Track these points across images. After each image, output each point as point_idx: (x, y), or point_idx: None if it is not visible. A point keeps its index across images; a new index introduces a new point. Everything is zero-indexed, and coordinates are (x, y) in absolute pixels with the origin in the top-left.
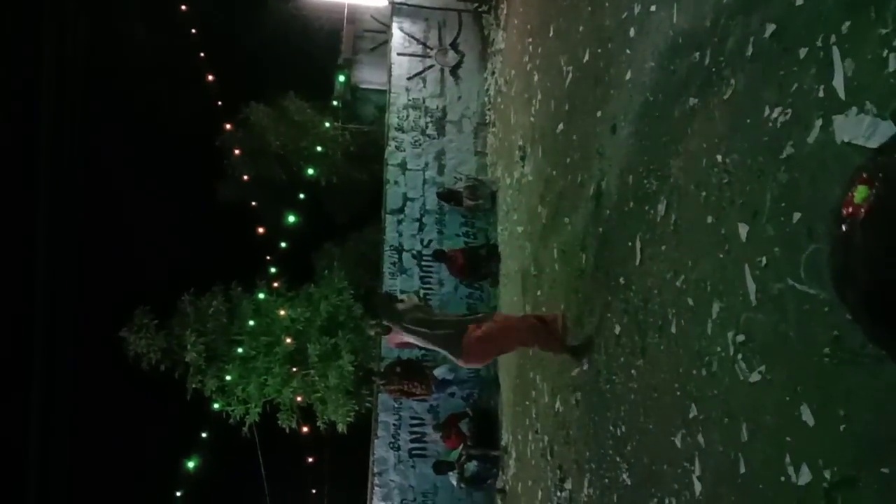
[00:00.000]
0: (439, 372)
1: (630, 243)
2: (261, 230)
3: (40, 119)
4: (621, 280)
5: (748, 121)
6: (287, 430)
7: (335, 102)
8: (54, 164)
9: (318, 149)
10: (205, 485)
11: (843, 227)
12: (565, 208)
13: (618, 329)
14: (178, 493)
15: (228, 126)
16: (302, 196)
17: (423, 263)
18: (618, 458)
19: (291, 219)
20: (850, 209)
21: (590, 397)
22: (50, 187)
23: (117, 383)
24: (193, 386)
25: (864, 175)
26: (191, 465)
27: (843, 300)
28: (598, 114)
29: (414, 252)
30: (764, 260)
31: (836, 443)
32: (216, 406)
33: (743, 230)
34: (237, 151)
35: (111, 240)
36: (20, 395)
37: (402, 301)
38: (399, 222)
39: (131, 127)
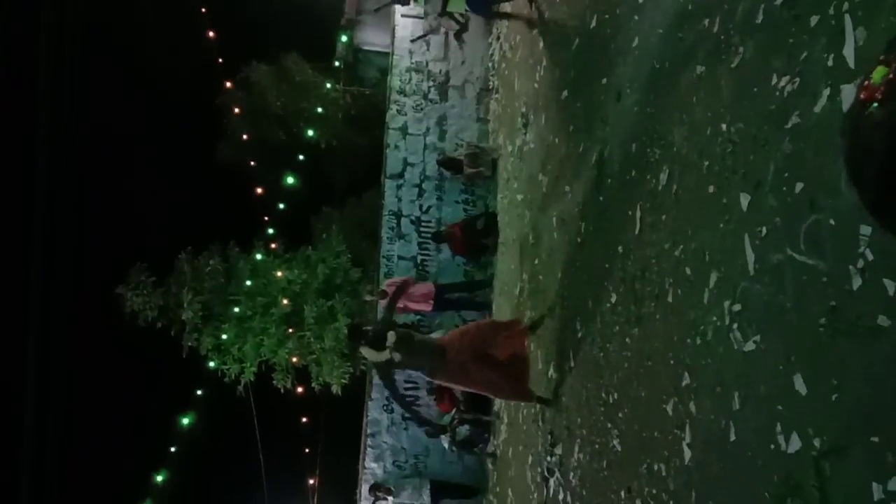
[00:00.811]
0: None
1: (630, 212)
2: (259, 191)
3: (39, 74)
4: (619, 249)
5: (755, 90)
6: (282, 391)
7: (337, 63)
8: (53, 121)
9: (319, 110)
10: (199, 442)
11: (862, 110)
12: (566, 177)
13: (614, 298)
14: (173, 449)
15: (228, 84)
16: (301, 158)
17: (422, 229)
18: (609, 425)
19: (290, 180)
20: (868, 91)
21: (583, 365)
22: (48, 143)
23: (113, 340)
24: (189, 344)
25: (882, 58)
26: (185, 421)
27: (858, 185)
28: (604, 81)
29: (413, 218)
30: (764, 230)
31: (828, 412)
32: (212, 364)
33: (745, 200)
34: (237, 111)
35: (109, 197)
36: (16, 348)
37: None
38: (398, 187)
39: (130, 84)
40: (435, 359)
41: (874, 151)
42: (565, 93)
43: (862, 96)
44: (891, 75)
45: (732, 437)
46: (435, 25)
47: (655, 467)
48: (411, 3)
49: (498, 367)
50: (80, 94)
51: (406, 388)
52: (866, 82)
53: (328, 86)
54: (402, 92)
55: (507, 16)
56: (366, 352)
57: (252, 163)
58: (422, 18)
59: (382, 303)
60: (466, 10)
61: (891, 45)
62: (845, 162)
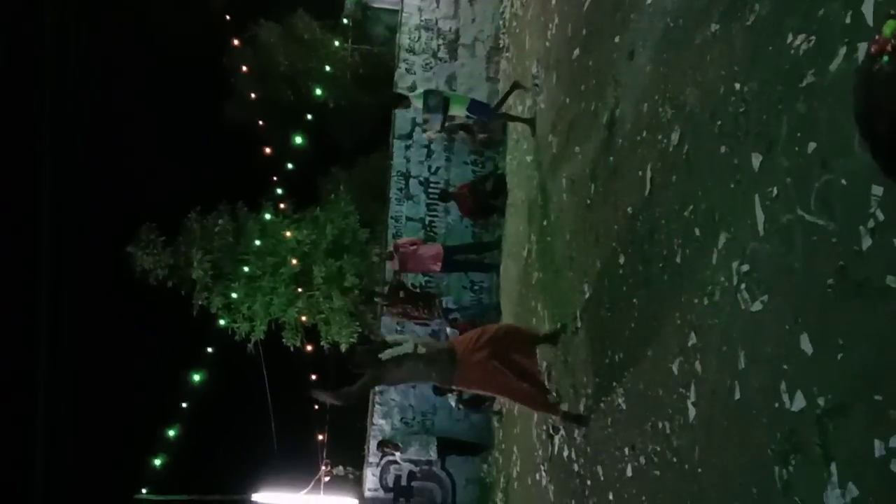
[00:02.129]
0: (444, 301)
1: (640, 173)
2: (267, 150)
3: (44, 30)
4: (629, 210)
5: (770, 48)
6: (291, 349)
7: (345, 21)
8: (59, 79)
9: (327, 69)
10: (210, 398)
11: (872, 65)
12: (577, 137)
13: (622, 259)
14: (184, 405)
15: (236, 42)
16: (309, 117)
17: (430, 191)
18: (614, 384)
19: (298, 140)
20: (879, 45)
21: (590, 325)
22: (55, 102)
23: (124, 298)
24: (199, 303)
25: (892, 12)
26: (196, 378)
27: (870, 140)
28: (616, 39)
29: (421, 179)
30: (775, 190)
31: (833, 371)
32: (222, 323)
33: (756, 160)
34: (244, 69)
35: (116, 156)
36: (28, 308)
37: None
38: (407, 148)
39: (137, 41)
40: (449, 362)
41: (885, 106)
42: (577, 51)
43: (872, 50)
44: None
45: (737, 396)
46: None
47: (660, 425)
48: None
49: (522, 372)
50: (86, 53)
51: None
52: (877, 36)
53: (336, 44)
54: (410, 50)
55: None
56: (388, 353)
57: (260, 122)
58: None
59: (390, 263)
60: None
61: None
62: (856, 117)
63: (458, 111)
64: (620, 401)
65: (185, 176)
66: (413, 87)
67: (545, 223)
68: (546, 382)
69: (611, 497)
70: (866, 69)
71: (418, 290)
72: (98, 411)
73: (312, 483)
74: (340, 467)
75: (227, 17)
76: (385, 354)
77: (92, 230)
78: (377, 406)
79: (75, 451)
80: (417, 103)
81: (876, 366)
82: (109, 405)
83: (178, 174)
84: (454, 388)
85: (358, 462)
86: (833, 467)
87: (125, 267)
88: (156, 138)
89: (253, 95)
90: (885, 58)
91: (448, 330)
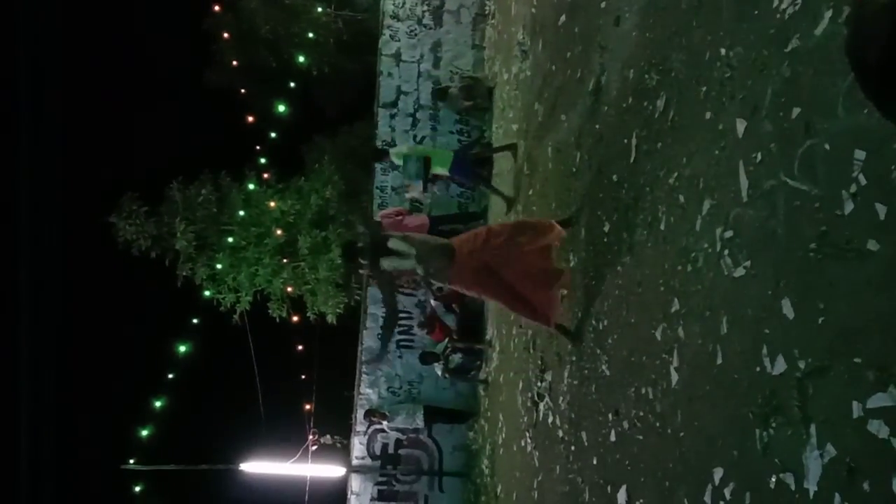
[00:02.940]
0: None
1: (626, 140)
2: (250, 119)
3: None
4: (614, 178)
5: (756, 12)
6: (277, 320)
7: None
8: (36, 47)
9: (310, 35)
10: (196, 368)
11: None
12: (563, 105)
13: (607, 227)
14: (170, 376)
15: (217, 8)
16: (292, 85)
17: None
18: (598, 351)
19: (281, 108)
20: None
21: (574, 293)
22: (32, 71)
23: (107, 269)
24: (184, 273)
25: None
26: (182, 349)
27: (859, 71)
28: (602, 5)
29: None
30: (759, 156)
31: (813, 334)
32: (207, 294)
33: (741, 126)
34: (226, 35)
35: (97, 125)
36: (9, 280)
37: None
38: (392, 117)
39: (116, 9)
40: (445, 258)
41: (875, 35)
42: (563, 17)
43: None
44: None
45: (719, 361)
46: None
47: (643, 391)
48: None
49: (521, 277)
50: (64, 21)
51: (400, 318)
52: None
53: (319, 10)
54: (395, 17)
55: None
56: (386, 263)
57: (242, 90)
58: None
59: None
60: None
61: None
62: (847, 51)
63: (441, 171)
64: (604, 367)
65: (167, 145)
66: (398, 55)
67: (531, 192)
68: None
69: (595, 462)
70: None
71: None
72: (83, 382)
73: (300, 452)
74: (328, 436)
75: None
76: (386, 263)
77: (73, 200)
78: (364, 375)
79: (61, 423)
80: (397, 160)
81: (855, 329)
82: (95, 376)
83: (159, 143)
84: (446, 286)
85: (345, 431)
86: (812, 428)
87: (108, 237)
88: (137, 106)
89: (235, 62)
90: None
91: (432, 301)
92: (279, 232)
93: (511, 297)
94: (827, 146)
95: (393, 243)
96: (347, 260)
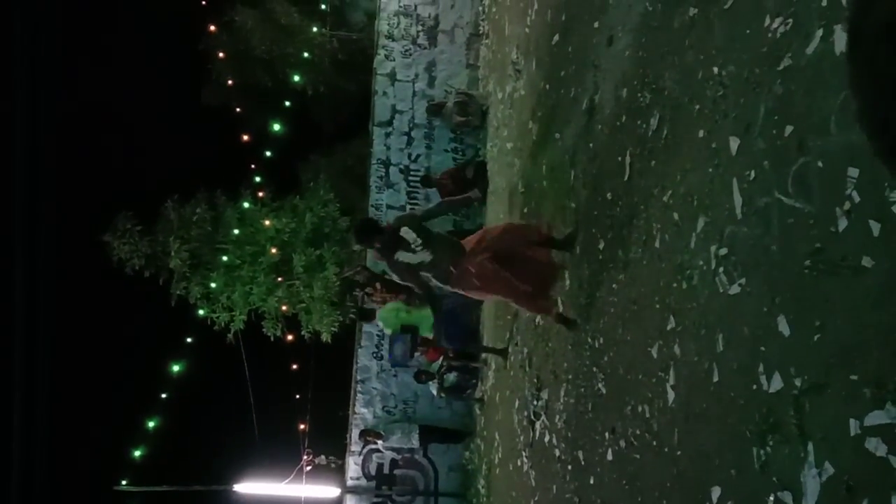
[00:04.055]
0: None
1: (620, 158)
2: (245, 137)
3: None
4: (608, 196)
5: (747, 31)
6: (272, 339)
7: (323, 6)
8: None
9: (305, 55)
10: (190, 388)
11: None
12: (557, 123)
13: (602, 244)
14: (164, 396)
15: (212, 28)
16: (287, 104)
17: (411, 178)
18: (594, 369)
19: (276, 127)
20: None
21: (570, 311)
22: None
23: (101, 287)
24: (178, 293)
25: None
26: (175, 368)
27: (853, 66)
28: (595, 24)
29: (401, 167)
30: (752, 173)
31: (810, 352)
32: (201, 312)
33: (734, 144)
34: (221, 55)
35: (93, 143)
36: (3, 297)
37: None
38: (387, 135)
39: (112, 28)
40: (454, 256)
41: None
42: (556, 37)
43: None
44: None
45: (716, 379)
46: None
47: (640, 409)
48: None
49: (521, 268)
50: (61, 39)
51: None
52: None
53: (314, 30)
54: (390, 36)
55: None
56: (401, 255)
57: (237, 109)
58: None
59: (372, 252)
60: None
61: None
62: (854, 90)
63: (429, 335)
64: (600, 385)
65: (162, 163)
66: (393, 74)
67: (525, 210)
68: (550, 289)
69: (592, 481)
70: (858, 17)
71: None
72: (76, 403)
73: (294, 472)
74: (322, 457)
75: (204, 2)
76: (402, 256)
77: (67, 218)
78: (359, 395)
79: (54, 443)
80: (385, 329)
81: (852, 346)
82: (87, 396)
83: (154, 161)
84: (447, 287)
85: (340, 451)
86: (810, 446)
87: (102, 256)
88: (132, 125)
89: (230, 81)
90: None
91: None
92: (274, 250)
93: (510, 289)
94: (820, 163)
95: (405, 232)
96: (360, 239)
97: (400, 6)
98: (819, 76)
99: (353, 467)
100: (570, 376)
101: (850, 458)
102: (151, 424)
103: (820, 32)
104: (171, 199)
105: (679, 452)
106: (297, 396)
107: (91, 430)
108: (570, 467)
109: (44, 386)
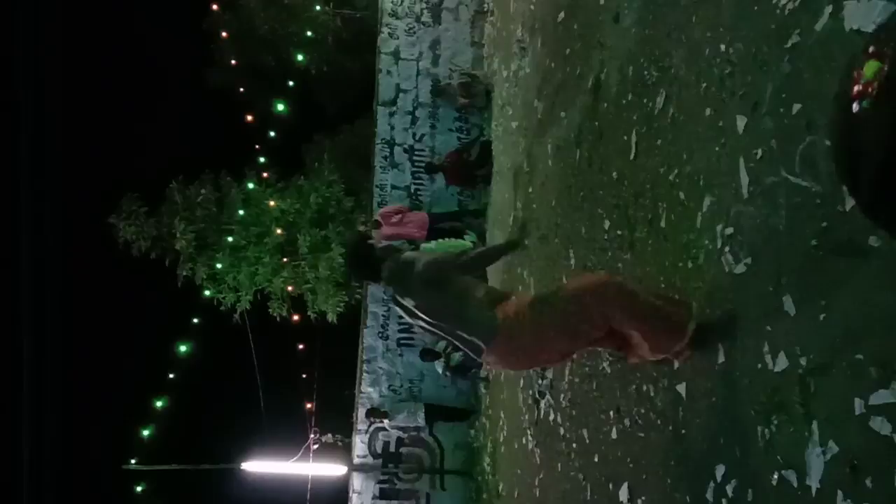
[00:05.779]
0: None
1: (626, 137)
2: (249, 118)
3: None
4: (614, 175)
5: (755, 8)
6: (278, 319)
7: None
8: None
9: (309, 34)
10: (197, 368)
11: (853, 107)
12: (562, 102)
13: (607, 224)
14: (171, 376)
15: (215, 7)
16: (291, 84)
17: (415, 158)
18: (599, 349)
19: (280, 107)
20: (860, 87)
21: None
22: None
23: (107, 269)
24: (184, 273)
25: (872, 50)
26: (182, 349)
27: (852, 186)
28: (602, 1)
29: (406, 146)
30: (760, 152)
31: (815, 331)
32: (207, 293)
33: (741, 122)
34: (224, 35)
35: (98, 125)
36: (11, 280)
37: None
38: (391, 115)
39: (116, 8)
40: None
41: (869, 154)
42: (562, 14)
43: (854, 91)
44: (885, 69)
45: (721, 359)
46: None
47: (644, 388)
48: None
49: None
50: (63, 21)
51: (399, 327)
52: (856, 73)
53: (317, 8)
54: (393, 14)
55: None
56: (408, 301)
57: (241, 89)
58: None
59: (377, 233)
60: None
61: (878, 34)
62: (834, 158)
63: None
64: (605, 365)
65: (166, 145)
66: (397, 53)
67: (531, 190)
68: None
69: (596, 459)
70: (845, 112)
71: None
72: (84, 383)
73: (302, 451)
74: (329, 435)
75: None
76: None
77: (73, 201)
78: (365, 374)
79: (62, 423)
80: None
81: (857, 325)
82: (95, 377)
83: (159, 143)
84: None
85: (346, 430)
86: (814, 426)
87: (108, 238)
88: (136, 106)
89: (234, 62)
90: (865, 102)
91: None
92: (279, 231)
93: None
94: (827, 142)
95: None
96: (354, 265)
97: None
98: (827, 54)
99: (359, 446)
100: (574, 356)
101: (854, 438)
102: (159, 404)
103: (829, 9)
104: (176, 181)
105: (684, 431)
106: (304, 376)
107: (99, 409)
108: (574, 445)
109: (52, 367)
